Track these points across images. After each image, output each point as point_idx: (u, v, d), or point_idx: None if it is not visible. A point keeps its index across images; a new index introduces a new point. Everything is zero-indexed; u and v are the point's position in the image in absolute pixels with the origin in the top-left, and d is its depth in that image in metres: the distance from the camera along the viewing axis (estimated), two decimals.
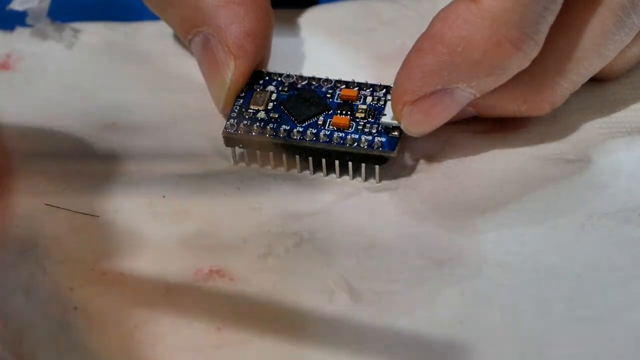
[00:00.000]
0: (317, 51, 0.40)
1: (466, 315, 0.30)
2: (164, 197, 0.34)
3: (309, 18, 0.41)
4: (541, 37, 0.32)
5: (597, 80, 0.36)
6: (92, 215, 0.34)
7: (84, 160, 0.36)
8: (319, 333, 0.30)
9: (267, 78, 0.36)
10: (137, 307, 0.31)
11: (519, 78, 0.33)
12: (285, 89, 0.36)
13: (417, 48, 0.32)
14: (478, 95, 0.33)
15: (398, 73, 0.33)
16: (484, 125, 0.36)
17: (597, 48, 0.34)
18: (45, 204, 0.34)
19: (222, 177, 0.35)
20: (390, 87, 0.34)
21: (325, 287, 0.31)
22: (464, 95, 0.33)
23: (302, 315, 0.31)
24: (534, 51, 0.32)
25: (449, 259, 0.32)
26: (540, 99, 0.34)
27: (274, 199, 0.34)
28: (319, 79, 0.36)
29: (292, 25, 0.41)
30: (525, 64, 0.32)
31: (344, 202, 0.34)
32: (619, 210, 0.33)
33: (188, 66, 0.39)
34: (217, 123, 0.36)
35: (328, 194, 0.34)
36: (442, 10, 0.32)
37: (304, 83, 0.36)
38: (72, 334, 0.30)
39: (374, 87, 0.36)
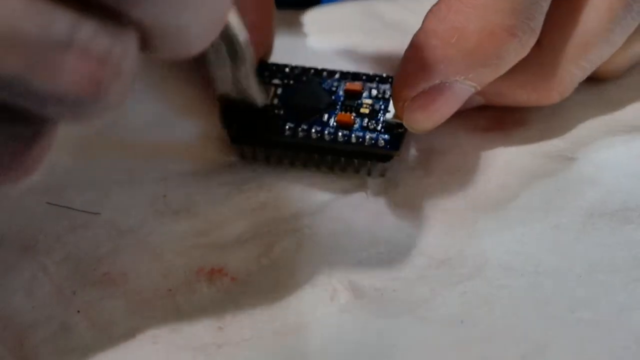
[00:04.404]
0: (318, 52, 0.39)
1: (466, 315, 0.30)
2: (164, 196, 0.34)
3: (311, 19, 0.41)
4: (537, 24, 0.32)
5: (597, 80, 0.36)
6: (92, 213, 0.34)
7: (83, 159, 0.36)
8: (319, 332, 0.30)
9: (273, 69, 0.36)
10: (139, 307, 0.31)
11: (527, 65, 0.33)
12: (291, 83, 0.35)
13: (412, 44, 0.32)
14: (479, 88, 0.33)
15: (396, 71, 0.33)
16: (484, 123, 0.36)
17: (605, 33, 0.33)
18: (46, 202, 0.34)
19: (222, 176, 0.35)
20: None
21: (326, 285, 0.31)
22: (463, 88, 0.32)
23: (303, 314, 0.31)
24: (530, 38, 0.32)
25: (449, 258, 0.32)
26: (549, 87, 0.34)
27: (275, 197, 0.34)
28: (324, 70, 0.35)
29: (293, 27, 0.41)
30: (523, 51, 0.32)
31: (346, 200, 0.34)
32: (619, 210, 0.33)
33: (189, 64, 0.39)
34: (218, 121, 0.36)
35: (330, 192, 0.34)
36: (434, 4, 0.32)
37: (309, 75, 0.35)
38: (73, 335, 0.30)
39: (380, 78, 0.35)
